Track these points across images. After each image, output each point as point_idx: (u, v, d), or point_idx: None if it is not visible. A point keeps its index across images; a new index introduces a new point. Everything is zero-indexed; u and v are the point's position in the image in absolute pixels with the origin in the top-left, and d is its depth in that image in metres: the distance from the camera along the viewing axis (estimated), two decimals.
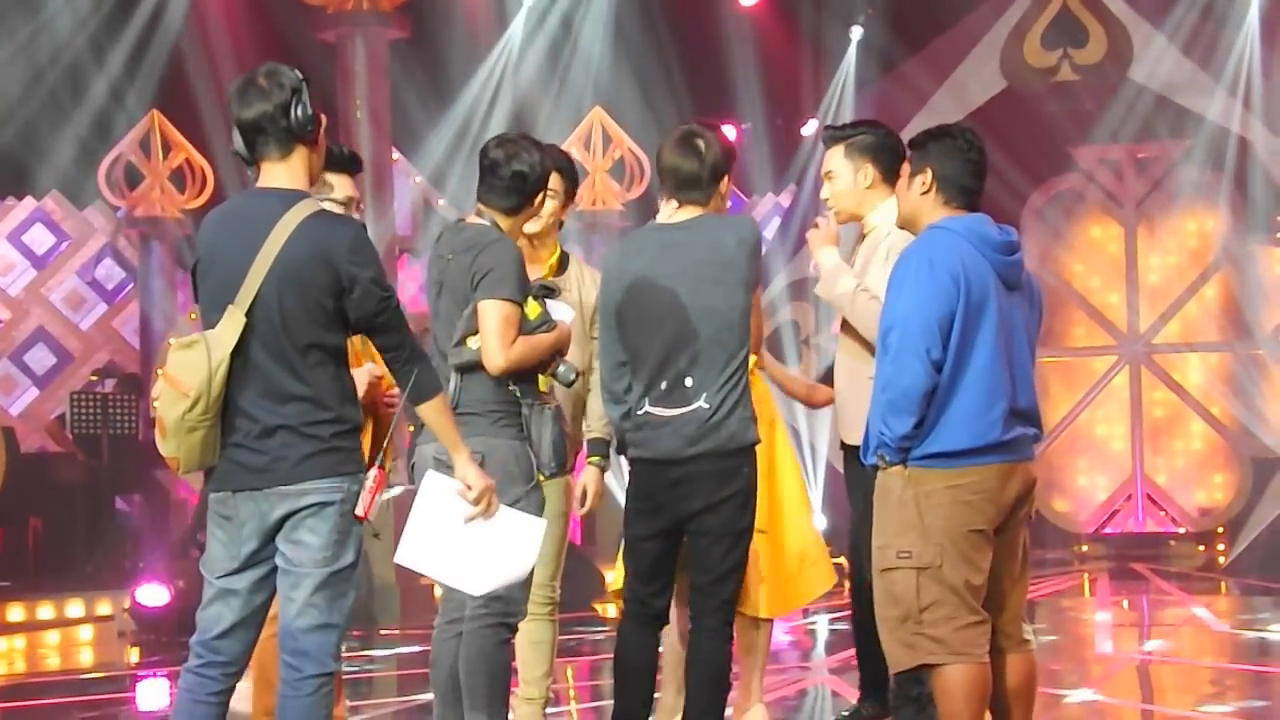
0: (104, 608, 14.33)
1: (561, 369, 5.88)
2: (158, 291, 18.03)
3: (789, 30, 19.16)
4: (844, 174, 6.53)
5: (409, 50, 17.31)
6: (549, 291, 5.93)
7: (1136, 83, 19.49)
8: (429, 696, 6.05)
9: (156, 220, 17.89)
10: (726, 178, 6.05)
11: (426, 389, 4.96)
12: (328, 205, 6.07)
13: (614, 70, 18.42)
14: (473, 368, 5.76)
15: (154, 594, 12.96)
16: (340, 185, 6.13)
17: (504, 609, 5.72)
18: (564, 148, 19.16)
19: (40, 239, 19.01)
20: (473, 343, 5.76)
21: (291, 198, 4.86)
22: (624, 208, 18.41)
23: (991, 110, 18.96)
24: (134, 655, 12.40)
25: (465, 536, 5.25)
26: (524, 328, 5.75)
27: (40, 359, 18.85)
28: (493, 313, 5.67)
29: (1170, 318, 20.25)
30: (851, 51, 19.77)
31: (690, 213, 5.95)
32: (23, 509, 15.71)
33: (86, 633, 13.90)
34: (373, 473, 4.87)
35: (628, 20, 18.47)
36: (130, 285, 18.89)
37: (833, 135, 6.65)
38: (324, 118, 4.98)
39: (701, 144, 5.97)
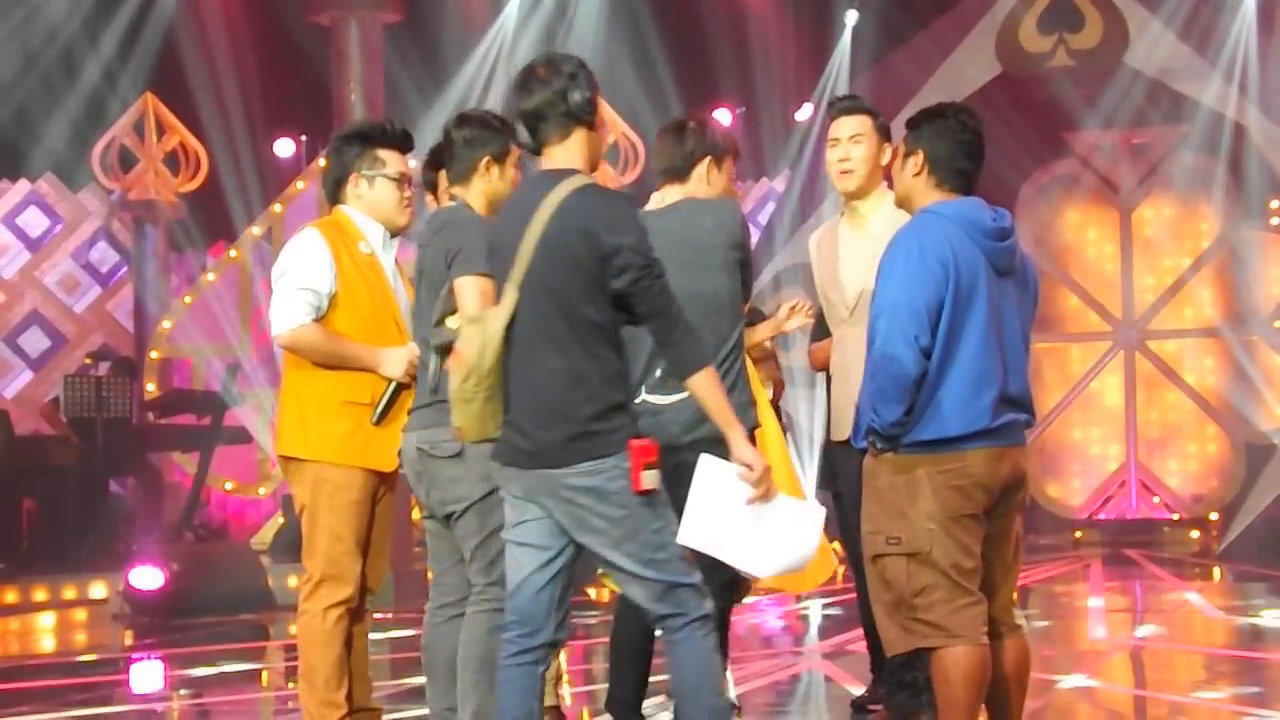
0: (98, 590, 14.34)
1: None
2: (152, 274, 18.04)
3: (784, 14, 19.14)
4: (872, 142, 6.52)
5: (403, 34, 17.29)
6: None
7: (1132, 68, 19.47)
8: (421, 680, 6.04)
9: (150, 203, 17.90)
10: (709, 162, 6.02)
11: (690, 361, 5.00)
12: (380, 181, 6.12)
13: (608, 55, 18.39)
14: (453, 348, 5.63)
15: (148, 576, 12.96)
16: (392, 161, 6.17)
17: (502, 594, 5.60)
18: None
19: (34, 222, 19.01)
20: (452, 322, 5.61)
21: (561, 175, 5.01)
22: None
23: (987, 95, 18.93)
24: (128, 638, 12.39)
25: (748, 518, 5.15)
26: None
27: (34, 342, 18.86)
28: (469, 288, 5.55)
29: (1165, 304, 20.26)
30: (847, 36, 19.75)
31: (674, 195, 5.98)
32: (17, 492, 15.72)
33: (80, 615, 13.90)
34: (634, 445, 4.95)
35: (622, 4, 18.45)
36: (124, 268, 18.88)
37: (858, 105, 6.64)
38: (601, 100, 5.14)
39: (690, 124, 6.03)
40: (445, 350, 5.63)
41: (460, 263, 5.59)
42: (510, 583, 5.07)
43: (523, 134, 5.11)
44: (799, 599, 12.46)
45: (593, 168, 5.13)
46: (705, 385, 4.99)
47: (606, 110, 17.96)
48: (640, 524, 4.94)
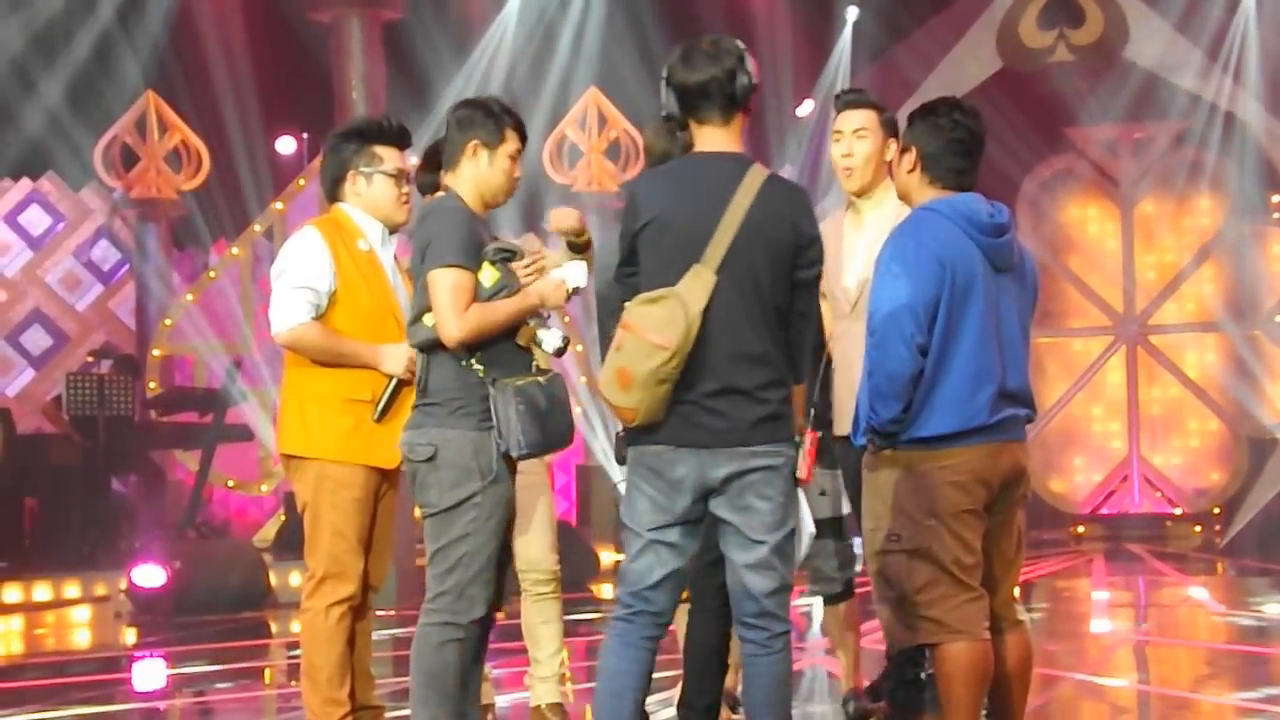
0: (100, 589, 14.34)
1: (543, 335, 5.59)
2: (153, 272, 18.02)
3: (785, 10, 19.14)
4: (877, 137, 6.44)
5: (404, 31, 17.28)
6: (508, 254, 5.56)
7: (1133, 63, 19.48)
8: None
9: (152, 201, 17.88)
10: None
11: (803, 368, 5.13)
12: (378, 178, 6.10)
13: (609, 51, 18.40)
14: (432, 347, 5.52)
15: (150, 575, 12.97)
16: (390, 158, 6.16)
17: (452, 605, 5.54)
18: (560, 128, 19.10)
19: (36, 220, 18.99)
20: (429, 319, 5.52)
21: (743, 161, 5.06)
22: (620, 189, 18.39)
23: (988, 90, 18.94)
24: (130, 636, 12.40)
25: None
26: (479, 295, 5.48)
27: (36, 340, 18.85)
28: (440, 282, 5.43)
29: (1166, 299, 20.27)
30: (847, 32, 19.75)
31: None
32: (19, 490, 15.71)
33: (83, 613, 13.90)
34: (808, 436, 5.05)
35: (624, 1, 18.44)
36: (126, 266, 18.87)
37: (863, 99, 6.57)
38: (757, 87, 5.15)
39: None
40: (425, 349, 5.55)
41: (432, 254, 5.46)
42: (637, 576, 5.07)
43: (671, 104, 5.11)
44: (800, 594, 12.44)
45: None
46: (802, 393, 5.14)
47: (608, 107, 18.09)
48: (790, 514, 5.05)
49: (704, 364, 4.96)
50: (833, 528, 6.77)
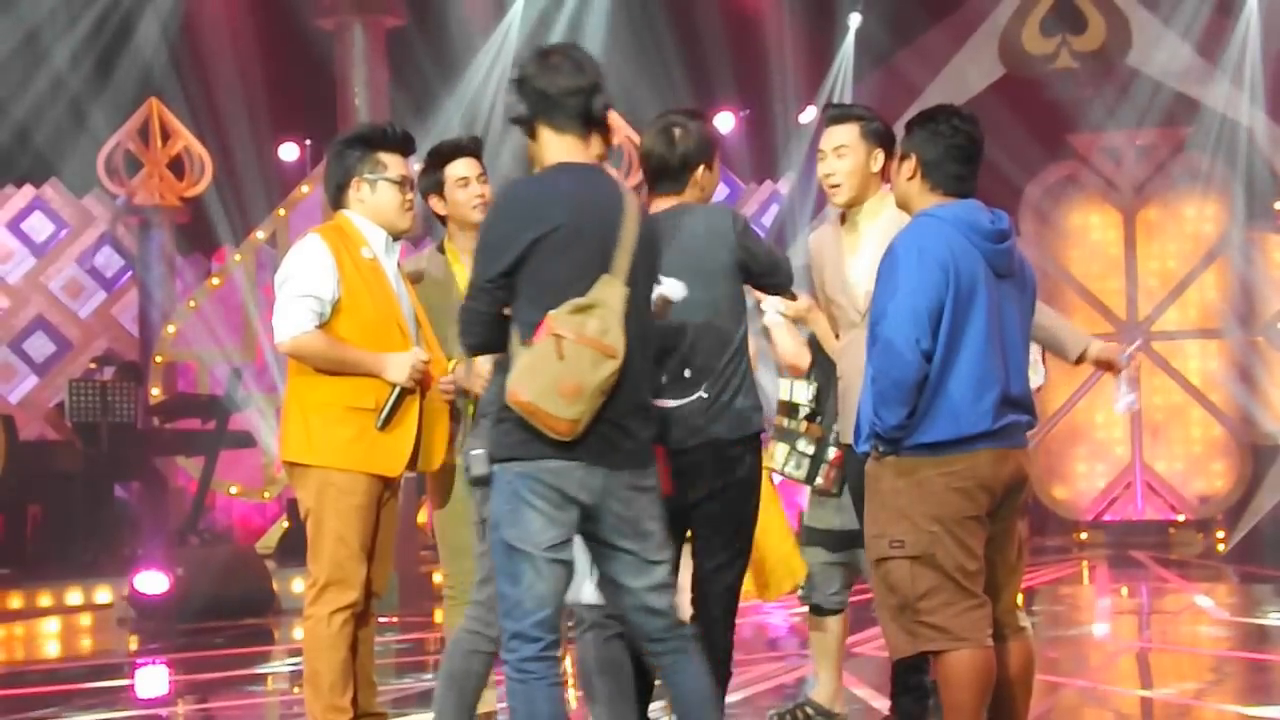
0: (103, 595, 14.34)
1: None
2: (156, 279, 18.03)
3: (788, 17, 19.14)
4: (858, 153, 6.32)
5: (407, 37, 17.29)
6: None
7: (1136, 69, 19.48)
8: (427, 683, 6.04)
9: (155, 208, 17.90)
10: (703, 167, 5.86)
11: None
12: (382, 184, 6.10)
13: (612, 57, 18.39)
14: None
15: (153, 581, 12.96)
16: (394, 165, 6.15)
17: (487, 615, 5.55)
18: None
19: (39, 227, 19.01)
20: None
21: (609, 174, 5.08)
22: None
23: (990, 97, 18.94)
24: (133, 642, 12.40)
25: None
26: None
27: (39, 347, 18.85)
28: None
29: (1169, 305, 20.26)
30: (850, 38, 19.76)
31: (667, 203, 5.84)
32: (22, 497, 15.74)
33: (85, 620, 13.90)
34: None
35: (626, 7, 18.46)
36: (129, 273, 18.88)
37: (845, 113, 6.41)
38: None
39: (677, 132, 5.83)
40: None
41: None
42: (544, 600, 4.87)
43: (520, 108, 5.05)
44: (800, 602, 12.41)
45: None
46: None
47: (610, 113, 18.10)
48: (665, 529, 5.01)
49: (621, 379, 4.88)
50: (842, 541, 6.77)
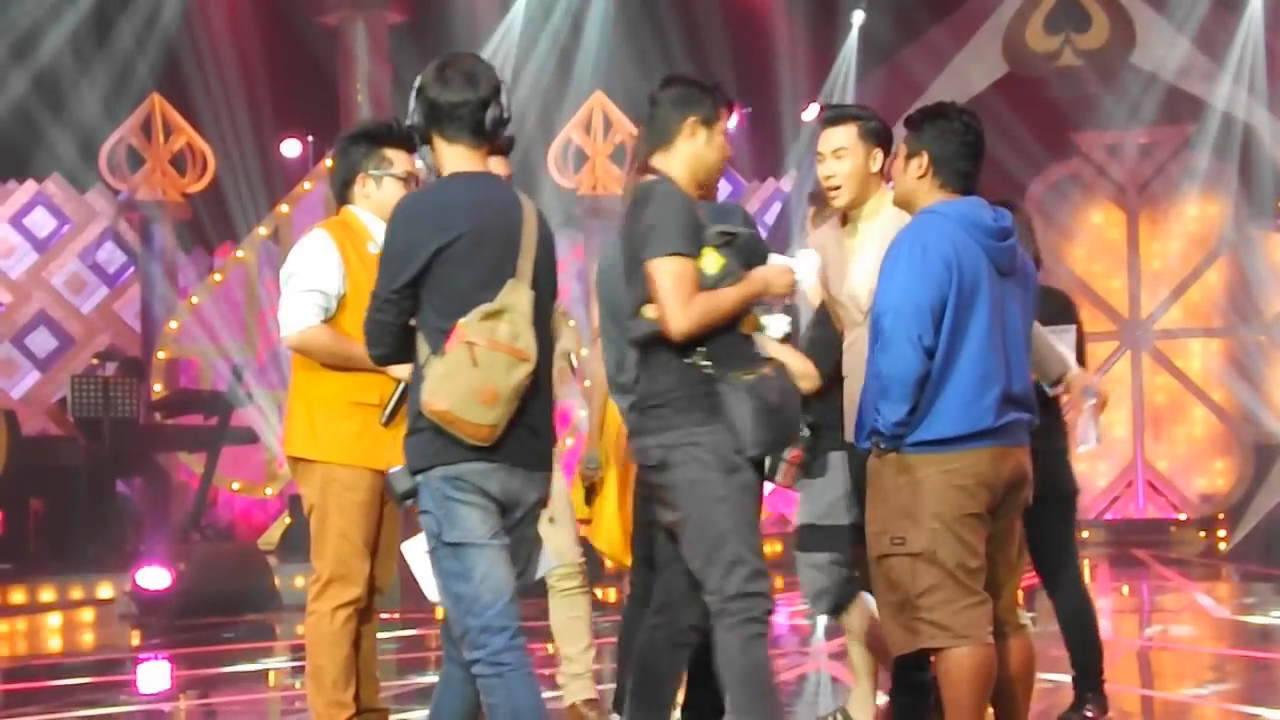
0: (105, 590, 14.36)
1: (766, 321, 5.30)
2: (158, 275, 18.05)
3: (791, 14, 19.14)
4: (857, 154, 6.29)
5: (410, 33, 17.29)
6: (729, 238, 5.28)
7: (1139, 68, 19.48)
8: (429, 680, 6.04)
9: (157, 204, 17.91)
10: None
11: None
12: (388, 180, 6.10)
13: (616, 54, 18.41)
14: (652, 341, 5.29)
15: (155, 577, 12.97)
16: (399, 161, 6.16)
17: (746, 604, 5.25)
18: (564, 132, 19.10)
19: (41, 222, 19.00)
20: (649, 311, 5.27)
21: (503, 181, 5.14)
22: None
23: (994, 95, 18.94)
24: (135, 638, 12.40)
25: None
26: (702, 283, 5.23)
27: (41, 342, 18.85)
28: (663, 271, 5.21)
29: (1172, 303, 20.26)
30: (853, 36, 19.76)
31: None
32: (24, 492, 15.74)
33: (87, 615, 13.92)
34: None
35: (629, 4, 18.45)
36: (131, 269, 18.88)
37: (842, 114, 6.37)
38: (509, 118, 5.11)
39: None
40: (644, 344, 5.30)
41: (653, 243, 5.24)
42: (500, 588, 4.86)
43: (417, 117, 5.07)
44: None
45: None
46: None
47: (613, 111, 18.09)
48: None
49: (532, 382, 4.90)
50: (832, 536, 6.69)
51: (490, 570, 4.86)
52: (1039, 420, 5.55)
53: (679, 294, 5.19)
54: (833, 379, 6.16)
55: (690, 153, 5.44)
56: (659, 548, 5.56)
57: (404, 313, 4.98)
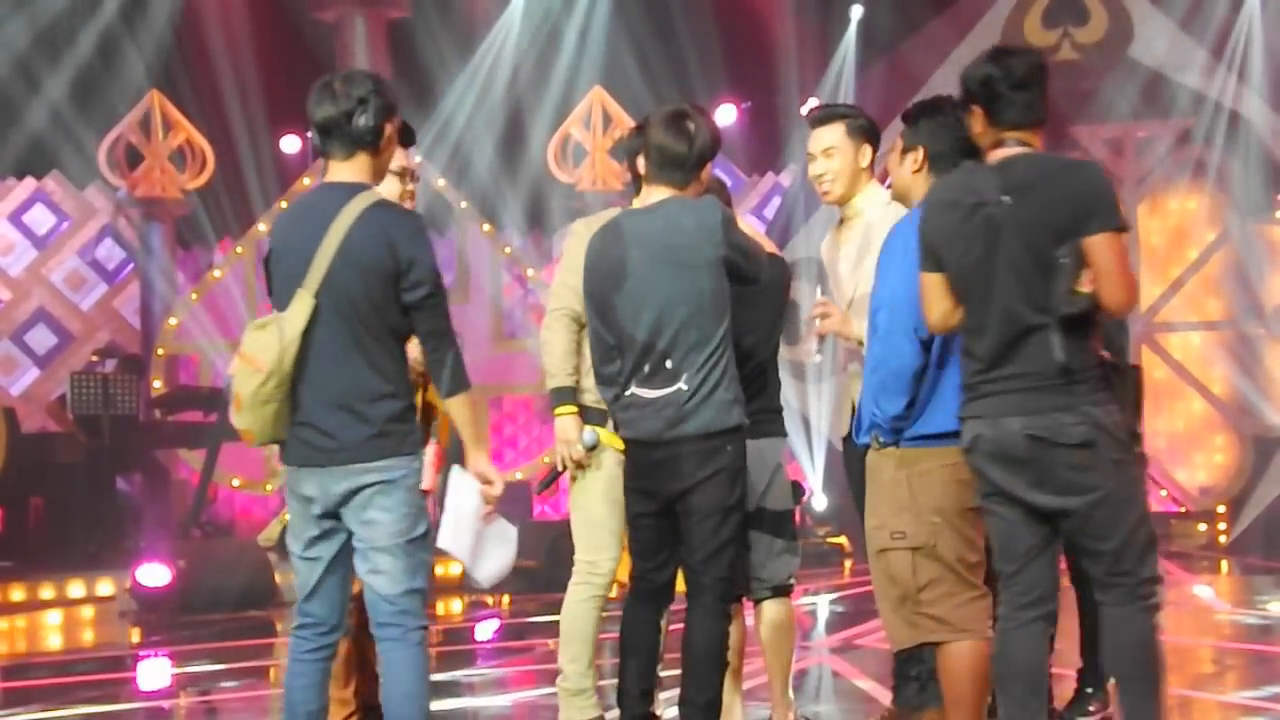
0: (105, 587, 14.35)
1: None
2: (158, 271, 18.04)
3: (790, 9, 19.13)
4: (846, 151, 6.35)
5: (408, 29, 17.29)
6: None
7: (1137, 61, 19.46)
8: (436, 676, 6.03)
9: (157, 200, 17.91)
10: (709, 165, 5.96)
11: (456, 382, 5.22)
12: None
13: (614, 49, 18.39)
14: (1080, 318, 5.04)
15: (155, 574, 12.97)
16: (395, 156, 6.13)
17: (1156, 591, 5.26)
18: (564, 128, 19.05)
19: (41, 219, 19.00)
20: (1086, 286, 5.03)
21: (354, 189, 5.21)
22: (625, 187, 18.38)
23: None
24: (135, 635, 12.40)
25: (481, 530, 5.50)
26: None
27: (41, 339, 18.85)
28: (1114, 246, 5.17)
29: (1171, 296, 20.23)
30: (852, 30, 19.74)
31: (661, 194, 5.87)
32: (24, 489, 15.74)
33: (87, 612, 13.91)
34: (430, 449, 5.28)
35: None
36: (131, 265, 18.89)
37: (829, 114, 6.46)
38: (389, 126, 5.27)
39: (691, 126, 5.85)
40: (1073, 321, 5.02)
41: (1102, 216, 5.23)
42: (304, 590, 5.40)
43: (314, 137, 5.30)
44: (805, 593, 12.42)
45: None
46: (462, 406, 5.23)
47: (612, 106, 18.08)
48: (416, 522, 5.20)
49: (311, 386, 5.16)
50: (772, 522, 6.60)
51: (299, 573, 5.43)
52: None
53: (1127, 267, 5.16)
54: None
55: None
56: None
57: None
